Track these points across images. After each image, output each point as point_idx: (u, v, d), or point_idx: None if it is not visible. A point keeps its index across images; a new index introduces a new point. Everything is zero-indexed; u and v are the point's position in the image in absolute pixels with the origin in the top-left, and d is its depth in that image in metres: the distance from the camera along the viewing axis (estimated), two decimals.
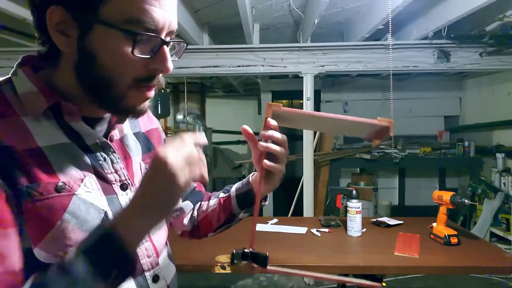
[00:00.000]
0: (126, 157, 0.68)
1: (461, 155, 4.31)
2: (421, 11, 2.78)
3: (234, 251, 0.62)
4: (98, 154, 0.62)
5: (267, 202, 0.84)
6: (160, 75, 0.60)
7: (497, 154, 3.79)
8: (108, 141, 0.64)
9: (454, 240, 1.65)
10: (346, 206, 1.86)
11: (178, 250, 1.61)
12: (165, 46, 0.57)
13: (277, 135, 0.70)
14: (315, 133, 3.69)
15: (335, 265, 1.52)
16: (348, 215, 1.81)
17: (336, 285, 2.62)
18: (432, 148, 4.48)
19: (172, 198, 0.53)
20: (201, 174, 0.54)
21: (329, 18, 3.03)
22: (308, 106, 3.26)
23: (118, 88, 0.56)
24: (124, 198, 0.64)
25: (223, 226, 0.87)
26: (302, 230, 1.90)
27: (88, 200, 0.58)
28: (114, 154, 0.64)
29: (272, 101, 6.14)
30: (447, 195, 1.72)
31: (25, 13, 2.35)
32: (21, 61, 0.61)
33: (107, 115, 0.66)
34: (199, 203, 0.91)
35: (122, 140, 0.69)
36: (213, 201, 0.87)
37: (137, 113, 0.61)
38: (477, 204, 3.68)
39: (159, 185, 0.51)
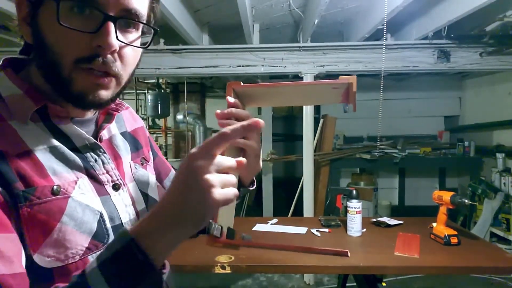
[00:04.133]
0: (116, 157, 0.67)
1: (461, 155, 4.31)
2: (421, 11, 2.78)
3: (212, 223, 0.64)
4: (89, 155, 0.61)
5: (254, 187, 0.80)
6: (118, 62, 0.56)
7: (497, 154, 3.79)
8: (98, 142, 0.63)
9: (454, 240, 1.65)
10: (346, 206, 1.85)
11: (178, 250, 1.62)
12: (111, 23, 0.52)
13: (237, 111, 0.70)
14: (315, 133, 3.69)
15: (335, 265, 1.51)
16: (348, 215, 1.81)
17: (336, 285, 2.62)
18: (432, 148, 4.48)
19: (205, 212, 0.46)
20: (234, 196, 0.48)
21: (329, 18, 3.03)
22: (308, 106, 3.26)
23: (63, 71, 0.53)
24: (117, 198, 0.63)
25: None
26: (302, 230, 1.90)
27: (84, 202, 0.57)
28: (104, 154, 0.63)
29: None
30: (447, 195, 1.72)
31: None
32: (2, 63, 0.60)
33: (92, 116, 0.66)
34: None
35: (111, 141, 0.68)
36: None
37: (90, 103, 0.56)
38: (477, 204, 3.68)
39: (193, 196, 0.46)
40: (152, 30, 0.61)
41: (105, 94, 0.57)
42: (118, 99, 0.68)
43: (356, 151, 4.31)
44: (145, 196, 0.71)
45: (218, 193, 0.46)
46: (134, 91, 5.39)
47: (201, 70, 3.24)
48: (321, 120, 4.17)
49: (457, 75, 4.86)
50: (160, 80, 5.49)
